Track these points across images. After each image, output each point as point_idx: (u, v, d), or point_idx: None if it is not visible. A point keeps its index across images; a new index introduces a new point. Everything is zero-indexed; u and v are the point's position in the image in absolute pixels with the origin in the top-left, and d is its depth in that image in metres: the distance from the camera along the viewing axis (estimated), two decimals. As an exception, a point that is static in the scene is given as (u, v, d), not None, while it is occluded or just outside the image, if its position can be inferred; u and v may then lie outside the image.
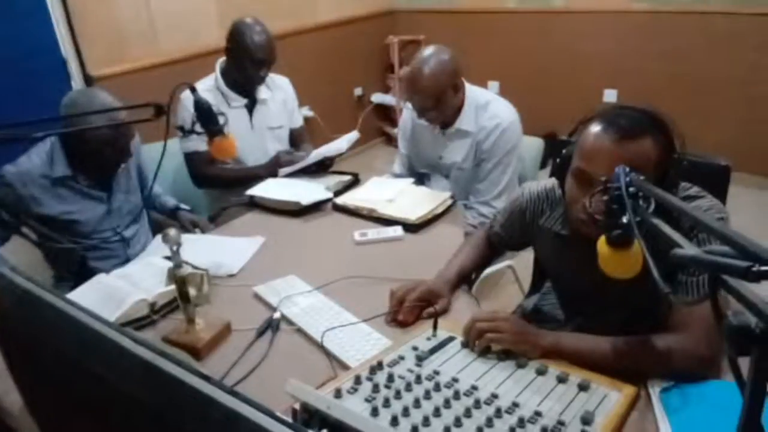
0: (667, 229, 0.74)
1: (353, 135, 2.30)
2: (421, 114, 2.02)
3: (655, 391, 1.04)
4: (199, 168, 2.29)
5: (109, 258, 1.84)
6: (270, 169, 2.26)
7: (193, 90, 1.52)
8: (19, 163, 1.71)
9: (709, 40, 3.63)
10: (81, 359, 0.66)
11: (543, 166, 2.36)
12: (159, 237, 1.74)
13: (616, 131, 1.08)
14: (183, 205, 2.16)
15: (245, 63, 2.19)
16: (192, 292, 1.32)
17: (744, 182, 3.43)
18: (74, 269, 1.77)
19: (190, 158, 2.28)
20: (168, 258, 1.40)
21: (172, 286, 1.36)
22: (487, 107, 2.01)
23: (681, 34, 3.72)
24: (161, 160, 1.47)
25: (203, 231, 1.99)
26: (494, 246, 1.59)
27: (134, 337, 0.62)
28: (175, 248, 1.25)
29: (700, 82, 3.73)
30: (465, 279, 1.52)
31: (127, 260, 1.84)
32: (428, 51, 1.95)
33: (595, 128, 1.11)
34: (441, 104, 1.96)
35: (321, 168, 2.29)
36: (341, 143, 2.25)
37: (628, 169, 0.91)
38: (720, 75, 3.67)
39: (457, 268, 1.48)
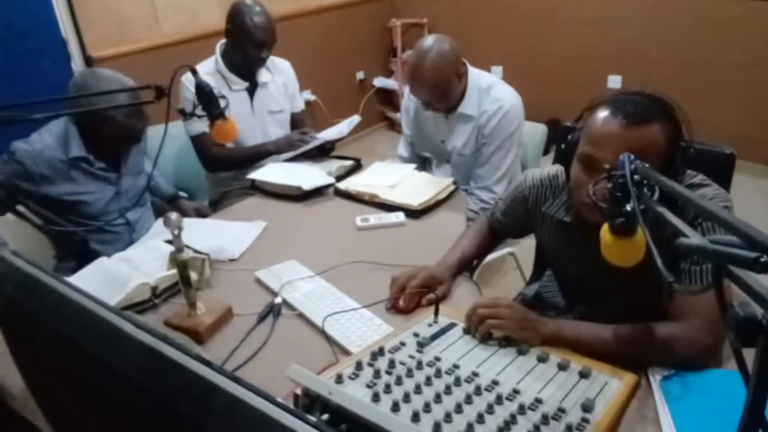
0: (671, 218, 0.73)
1: (354, 119, 2.28)
2: (428, 106, 2.00)
3: (656, 379, 1.04)
4: (209, 150, 2.26)
5: (113, 242, 1.84)
6: (281, 147, 2.26)
7: (194, 72, 1.51)
8: (31, 141, 1.70)
9: (714, 26, 3.59)
10: (83, 343, 0.66)
11: (546, 152, 2.34)
12: (160, 221, 1.74)
13: (624, 116, 1.07)
14: (182, 193, 2.16)
15: (245, 44, 2.17)
16: (193, 276, 1.32)
17: (749, 171, 3.42)
18: (76, 250, 1.77)
19: (198, 141, 2.26)
20: (169, 242, 1.40)
21: (174, 270, 1.36)
22: (490, 91, 1.99)
23: (686, 20, 3.68)
24: (162, 142, 1.46)
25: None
26: (496, 233, 1.58)
27: (135, 321, 0.62)
28: (176, 232, 1.24)
29: (706, 68, 3.69)
30: (466, 266, 1.52)
31: (131, 244, 1.84)
32: (428, 42, 1.90)
33: (603, 113, 1.11)
34: (448, 95, 1.94)
35: (322, 152, 2.29)
36: (342, 127, 2.24)
37: (632, 157, 0.90)
38: (725, 61, 3.63)
39: (459, 255, 1.48)
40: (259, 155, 2.27)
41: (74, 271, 1.48)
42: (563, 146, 1.22)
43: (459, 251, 1.49)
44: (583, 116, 1.17)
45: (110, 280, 1.41)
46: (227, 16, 2.20)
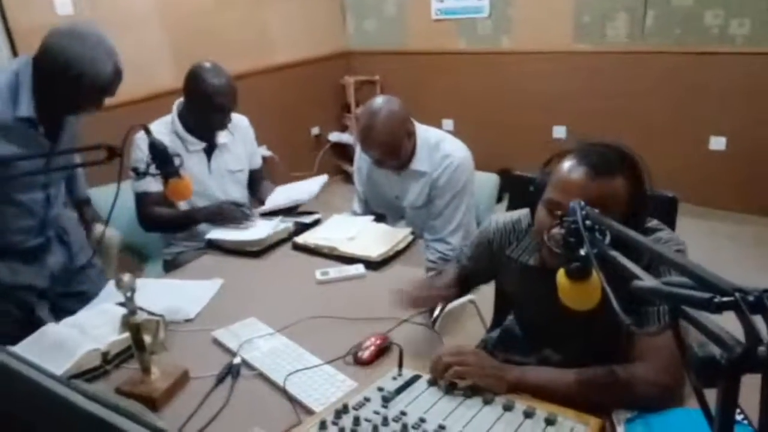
0: (624, 261, 0.75)
1: (323, 178, 2.28)
2: (380, 164, 2.03)
3: (620, 421, 1.04)
4: (146, 209, 2.19)
5: (26, 216, 1.75)
6: (210, 216, 2.16)
7: (148, 131, 1.49)
8: None
9: (647, 77, 3.83)
10: (28, 418, 0.62)
11: (499, 200, 2.40)
12: (112, 282, 1.68)
13: (589, 167, 1.11)
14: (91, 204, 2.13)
15: (206, 109, 2.11)
16: (147, 339, 1.27)
17: (689, 212, 3.56)
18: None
19: (140, 198, 2.19)
20: (122, 304, 1.35)
21: (126, 334, 1.31)
22: (439, 146, 2.05)
23: (621, 72, 3.91)
24: (114, 203, 1.43)
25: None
26: (464, 279, 1.57)
27: (85, 391, 0.58)
28: (129, 294, 1.20)
29: (642, 117, 3.91)
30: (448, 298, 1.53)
31: (44, 221, 1.79)
32: (377, 104, 1.96)
33: (569, 163, 1.15)
34: (399, 153, 1.98)
35: (290, 210, 2.27)
36: (313, 186, 2.23)
37: (583, 203, 0.93)
38: (660, 110, 3.86)
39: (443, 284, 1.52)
40: (188, 222, 2.20)
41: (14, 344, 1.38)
42: (531, 189, 1.25)
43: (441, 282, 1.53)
44: (552, 161, 1.20)
45: (57, 348, 1.34)
46: (185, 79, 2.14)
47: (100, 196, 2.24)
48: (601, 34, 3.91)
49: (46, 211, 1.80)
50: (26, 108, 1.60)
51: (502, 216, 1.47)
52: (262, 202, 2.33)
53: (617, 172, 1.11)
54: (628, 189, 1.11)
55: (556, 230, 1.06)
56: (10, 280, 1.76)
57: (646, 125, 3.90)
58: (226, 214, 2.13)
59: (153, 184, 2.11)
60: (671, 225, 1.61)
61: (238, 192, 2.35)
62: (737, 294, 0.46)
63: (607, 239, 0.88)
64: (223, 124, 2.19)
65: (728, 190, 3.80)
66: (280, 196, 2.29)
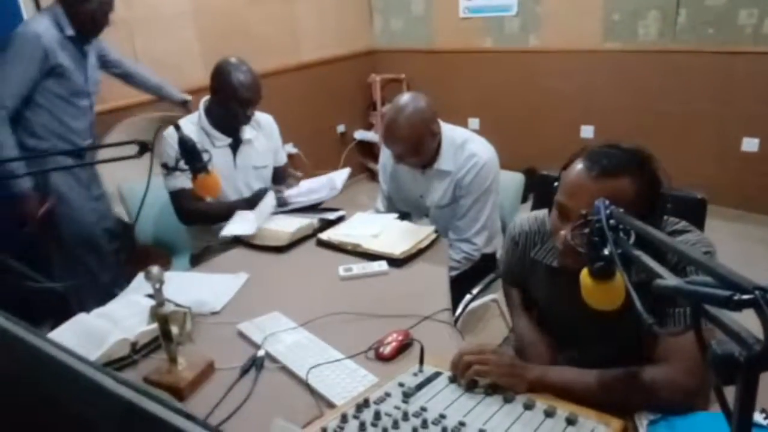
0: (648, 261, 0.75)
1: (346, 171, 2.30)
2: (401, 160, 2.04)
3: (642, 423, 1.03)
4: (185, 205, 2.23)
5: (80, 117, 2.49)
6: (252, 205, 2.20)
7: (178, 128, 1.53)
8: (36, 26, 2.29)
9: (678, 77, 3.75)
10: (60, 400, 0.65)
11: (524, 200, 2.39)
12: (141, 275, 1.72)
13: (595, 169, 1.10)
14: (187, 96, 2.86)
15: (231, 103, 2.15)
16: (174, 330, 1.30)
17: (720, 215, 3.50)
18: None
19: (176, 196, 2.22)
20: (150, 296, 1.38)
21: (154, 325, 1.34)
22: (465, 146, 2.04)
23: (651, 72, 3.84)
24: (145, 196, 1.46)
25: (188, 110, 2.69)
26: (519, 287, 1.53)
27: (115, 376, 0.60)
28: (157, 286, 1.23)
29: (673, 117, 3.84)
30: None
31: (90, 125, 2.53)
32: (404, 99, 1.97)
33: (578, 165, 1.14)
34: (420, 151, 1.99)
35: (314, 205, 2.30)
36: (336, 182, 2.24)
37: (607, 202, 0.92)
38: (691, 111, 3.78)
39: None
40: (232, 213, 2.23)
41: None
42: (552, 191, 1.23)
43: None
44: (571, 163, 1.19)
45: (88, 336, 1.38)
46: (212, 74, 2.20)
47: (132, 190, 2.30)
48: (631, 32, 3.84)
49: (90, 117, 2.55)
50: (69, 29, 2.35)
51: (524, 216, 1.45)
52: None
53: (623, 172, 1.09)
54: (636, 189, 1.09)
55: (579, 230, 1.05)
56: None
57: (677, 126, 3.83)
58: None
59: (187, 181, 2.15)
60: (699, 227, 1.58)
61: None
62: (757, 292, 0.46)
63: (632, 239, 0.87)
64: (247, 118, 2.23)
65: (761, 192, 3.70)
66: (304, 190, 2.32)
